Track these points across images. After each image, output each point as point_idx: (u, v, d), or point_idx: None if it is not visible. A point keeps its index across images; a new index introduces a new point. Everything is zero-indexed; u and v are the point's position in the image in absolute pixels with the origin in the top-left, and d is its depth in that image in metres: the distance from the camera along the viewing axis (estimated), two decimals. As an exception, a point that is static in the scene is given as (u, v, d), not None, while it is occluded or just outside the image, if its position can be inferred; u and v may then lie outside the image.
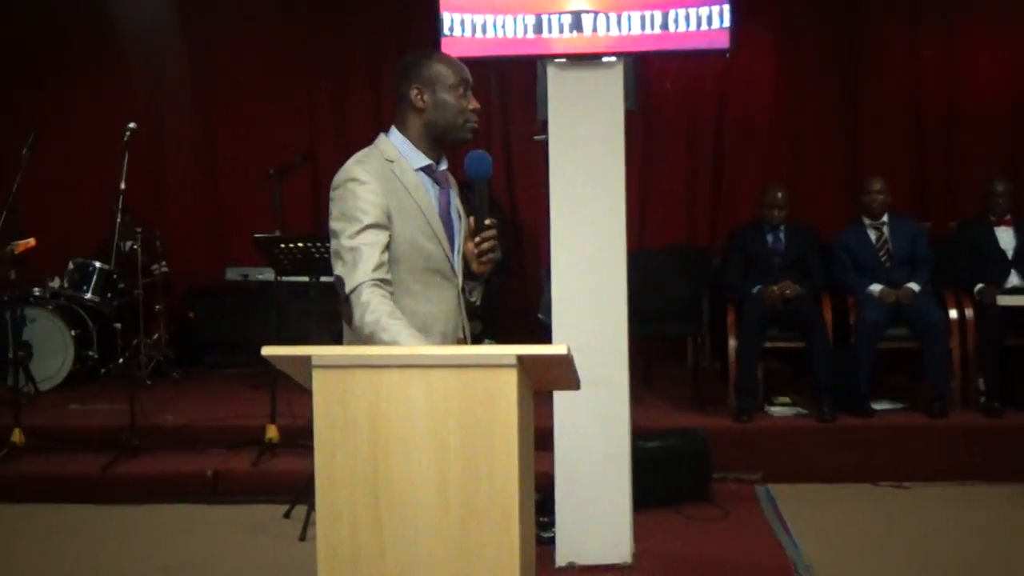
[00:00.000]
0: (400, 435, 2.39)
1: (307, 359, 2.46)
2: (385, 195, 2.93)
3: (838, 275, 6.76)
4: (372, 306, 2.79)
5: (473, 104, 3.08)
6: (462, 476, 2.37)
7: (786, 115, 8.46)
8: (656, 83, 8.16)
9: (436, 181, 3.09)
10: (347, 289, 2.83)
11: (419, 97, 3.03)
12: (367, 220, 2.88)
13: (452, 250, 3.09)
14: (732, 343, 6.58)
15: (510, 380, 2.39)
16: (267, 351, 2.51)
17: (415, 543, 2.37)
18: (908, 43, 8.33)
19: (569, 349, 2.44)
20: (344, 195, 2.93)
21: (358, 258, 2.84)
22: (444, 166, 3.12)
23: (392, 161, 3.01)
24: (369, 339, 2.76)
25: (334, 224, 2.93)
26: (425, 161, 3.06)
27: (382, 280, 2.85)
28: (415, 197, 3.00)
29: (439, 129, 3.05)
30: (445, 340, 3.05)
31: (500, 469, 2.37)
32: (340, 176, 2.97)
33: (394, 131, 3.09)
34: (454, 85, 3.04)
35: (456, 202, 3.18)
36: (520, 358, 2.41)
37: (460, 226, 3.16)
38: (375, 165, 2.98)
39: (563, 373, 2.56)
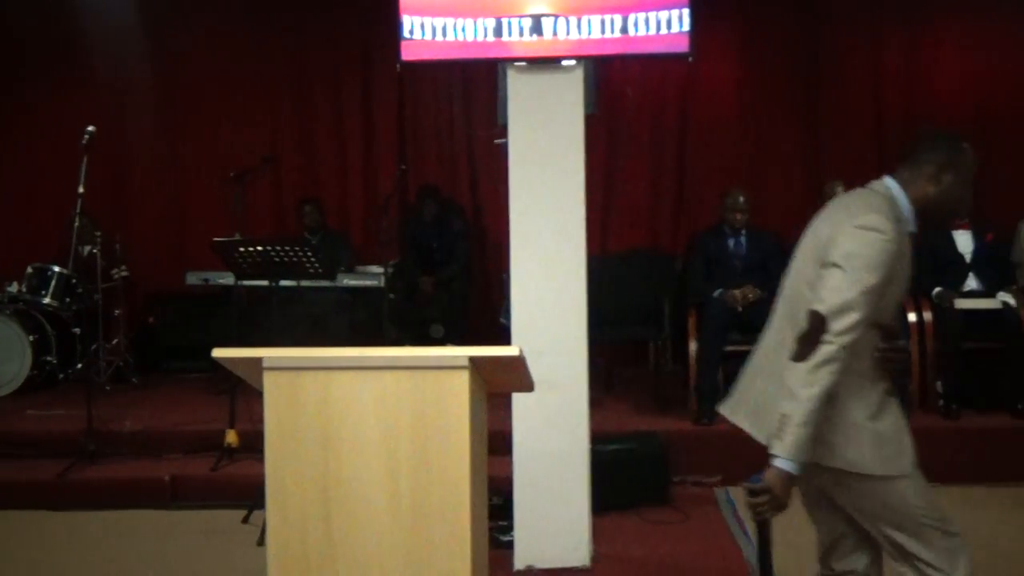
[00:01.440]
0: (351, 437, 2.37)
1: (258, 361, 2.44)
2: (894, 268, 2.89)
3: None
4: (824, 374, 2.82)
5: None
6: (413, 478, 2.36)
7: (748, 120, 8.49)
8: (618, 88, 8.18)
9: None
10: (826, 330, 2.80)
11: (941, 174, 3.00)
12: (876, 281, 2.83)
13: None
14: (693, 347, 6.60)
15: (462, 381, 2.38)
16: (218, 353, 2.49)
17: (365, 546, 2.36)
18: (869, 49, 8.39)
19: (522, 351, 2.44)
20: (868, 240, 2.85)
21: (850, 311, 2.80)
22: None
23: (901, 223, 2.96)
24: (793, 394, 2.89)
25: (843, 260, 2.85)
26: (914, 228, 3.03)
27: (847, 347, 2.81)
28: (904, 265, 2.97)
29: (939, 209, 3.03)
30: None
31: (452, 471, 2.35)
32: (871, 220, 2.88)
33: (899, 187, 3.04)
34: (968, 181, 3.04)
35: None
36: (473, 360, 2.40)
37: None
38: (896, 227, 2.91)
39: (517, 375, 2.56)
